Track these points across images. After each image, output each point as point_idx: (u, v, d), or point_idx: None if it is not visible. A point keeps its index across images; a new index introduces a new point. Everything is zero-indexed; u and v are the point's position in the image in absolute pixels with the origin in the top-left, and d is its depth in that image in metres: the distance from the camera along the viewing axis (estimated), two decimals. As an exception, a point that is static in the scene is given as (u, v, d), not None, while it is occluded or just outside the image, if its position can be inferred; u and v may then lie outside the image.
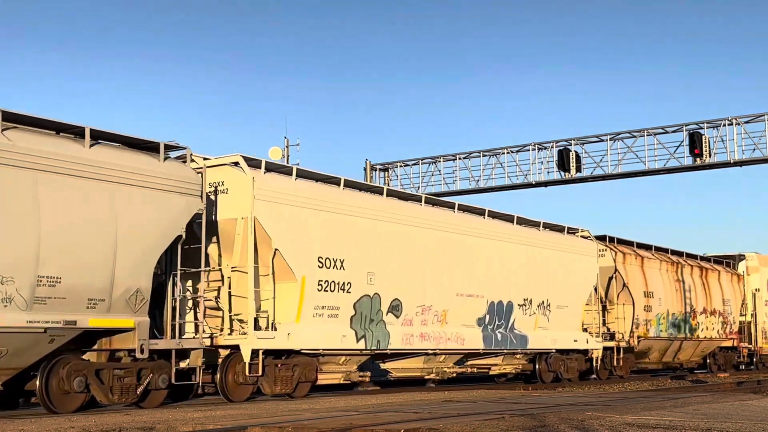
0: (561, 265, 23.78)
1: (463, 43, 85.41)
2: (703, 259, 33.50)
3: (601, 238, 26.88)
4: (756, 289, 35.84)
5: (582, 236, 25.19)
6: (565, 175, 33.59)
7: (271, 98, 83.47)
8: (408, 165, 37.33)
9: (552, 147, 34.05)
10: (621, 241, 28.29)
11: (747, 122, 30.92)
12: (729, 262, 35.68)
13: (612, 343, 26.07)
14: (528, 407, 12.11)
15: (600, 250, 25.92)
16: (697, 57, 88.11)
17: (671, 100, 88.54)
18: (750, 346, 35.22)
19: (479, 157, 35.55)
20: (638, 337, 27.13)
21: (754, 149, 30.83)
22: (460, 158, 35.87)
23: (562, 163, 33.40)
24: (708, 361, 33.43)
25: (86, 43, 75.67)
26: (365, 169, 37.67)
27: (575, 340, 24.16)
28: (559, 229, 24.39)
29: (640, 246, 29.37)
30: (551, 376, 23.65)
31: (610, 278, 26.61)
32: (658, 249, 30.34)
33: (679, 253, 31.70)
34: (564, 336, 23.66)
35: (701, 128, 31.46)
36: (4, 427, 9.73)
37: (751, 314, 35.52)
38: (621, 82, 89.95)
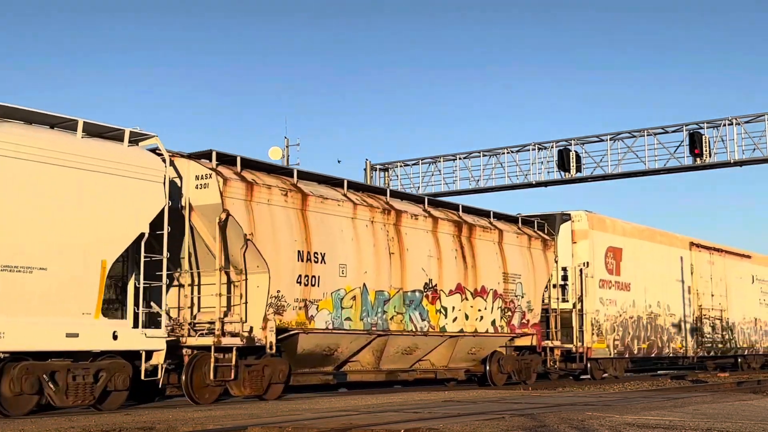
0: (23, 189, 11.88)
1: (463, 43, 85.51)
2: (468, 211, 21.11)
3: (205, 156, 15.24)
4: (584, 263, 24.74)
5: (134, 142, 13.63)
6: (565, 175, 33.46)
7: (271, 98, 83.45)
8: (408, 165, 37.18)
9: (552, 147, 33.95)
10: (251, 164, 16.01)
11: (747, 122, 30.87)
12: (536, 221, 23.24)
13: (206, 341, 14.62)
14: (528, 407, 12.09)
15: (201, 177, 14.91)
16: (697, 57, 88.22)
17: (671, 100, 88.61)
18: (571, 345, 24.11)
19: (479, 157, 35.42)
20: (282, 328, 15.62)
21: (754, 149, 30.76)
22: (460, 158, 35.77)
23: (562, 163, 33.31)
24: (488, 368, 21.26)
25: (85, 42, 75.72)
26: (365, 170, 37.61)
27: (72, 335, 12.29)
28: (66, 125, 12.85)
29: (309, 177, 17.20)
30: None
31: (223, 227, 14.99)
32: (368, 189, 19.10)
33: (415, 199, 20.18)
34: (24, 326, 11.67)
35: (701, 128, 31.39)
36: (4, 427, 9.72)
37: (577, 299, 24.48)
38: (621, 82, 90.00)
